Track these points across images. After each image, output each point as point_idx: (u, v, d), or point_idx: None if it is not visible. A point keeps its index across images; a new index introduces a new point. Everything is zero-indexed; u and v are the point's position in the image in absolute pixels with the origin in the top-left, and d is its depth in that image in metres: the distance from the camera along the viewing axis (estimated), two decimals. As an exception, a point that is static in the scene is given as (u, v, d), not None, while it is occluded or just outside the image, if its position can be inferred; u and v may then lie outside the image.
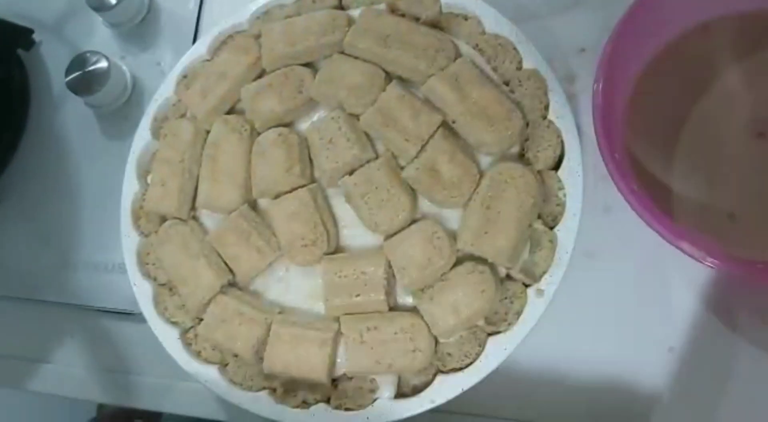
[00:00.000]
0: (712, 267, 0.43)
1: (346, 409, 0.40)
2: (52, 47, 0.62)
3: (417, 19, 0.44)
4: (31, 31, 0.62)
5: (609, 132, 0.41)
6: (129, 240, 0.46)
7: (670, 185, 0.45)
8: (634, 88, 0.46)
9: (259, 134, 0.45)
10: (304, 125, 0.45)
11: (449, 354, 0.40)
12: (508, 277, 0.40)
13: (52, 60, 0.62)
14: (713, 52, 0.46)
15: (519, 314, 0.39)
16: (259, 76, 0.46)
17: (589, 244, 0.45)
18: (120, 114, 0.58)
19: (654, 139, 0.46)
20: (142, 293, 0.45)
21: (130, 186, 0.48)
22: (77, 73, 0.55)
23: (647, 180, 0.43)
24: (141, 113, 0.50)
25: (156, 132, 0.48)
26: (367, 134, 0.43)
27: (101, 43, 0.60)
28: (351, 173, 0.42)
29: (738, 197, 0.44)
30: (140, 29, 0.59)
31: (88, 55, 0.55)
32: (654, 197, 0.42)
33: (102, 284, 0.54)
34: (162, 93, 0.49)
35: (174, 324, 0.45)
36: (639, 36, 0.44)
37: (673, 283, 0.45)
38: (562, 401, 0.44)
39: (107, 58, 0.55)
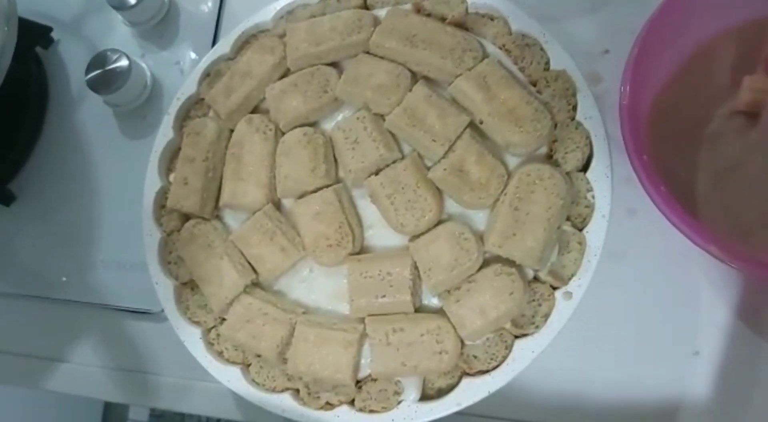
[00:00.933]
0: (739, 270, 0.43)
1: (371, 411, 0.40)
2: (71, 46, 0.62)
3: (443, 20, 0.44)
4: (50, 30, 0.62)
5: (636, 134, 0.41)
6: (151, 238, 0.46)
7: (696, 187, 0.44)
8: (660, 90, 0.46)
9: (283, 133, 0.44)
10: (328, 125, 0.45)
11: (475, 357, 0.39)
12: (536, 279, 0.40)
13: (70, 58, 0.62)
14: (740, 56, 0.46)
15: (546, 317, 0.38)
16: (284, 75, 0.46)
17: (613, 247, 0.44)
18: (139, 113, 0.58)
19: (680, 141, 0.45)
20: (164, 291, 0.45)
21: (152, 184, 0.47)
22: (97, 71, 0.55)
23: (672, 183, 0.43)
24: (160, 112, 0.50)
25: (178, 130, 0.48)
26: (392, 135, 0.43)
27: (120, 41, 0.60)
28: (376, 173, 0.42)
29: (764, 201, 0.43)
30: (160, 28, 0.59)
31: (108, 53, 0.55)
32: (680, 200, 0.42)
33: (121, 282, 0.54)
34: (185, 91, 0.49)
35: (196, 323, 0.44)
36: (666, 38, 0.44)
37: (699, 287, 0.45)
38: (588, 405, 0.43)
39: (128, 57, 0.55)
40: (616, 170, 0.42)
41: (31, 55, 0.62)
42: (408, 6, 0.45)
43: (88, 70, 0.55)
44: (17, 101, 0.60)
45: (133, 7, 0.56)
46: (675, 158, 0.44)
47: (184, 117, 0.49)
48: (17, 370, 0.57)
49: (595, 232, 0.39)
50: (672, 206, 0.39)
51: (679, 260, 0.45)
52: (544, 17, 0.45)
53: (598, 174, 0.40)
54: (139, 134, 0.57)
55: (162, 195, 0.47)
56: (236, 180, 0.44)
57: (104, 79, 0.55)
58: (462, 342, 0.39)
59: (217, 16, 0.58)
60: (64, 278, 0.56)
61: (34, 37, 0.61)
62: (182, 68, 0.58)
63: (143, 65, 0.57)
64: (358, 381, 0.41)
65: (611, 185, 0.39)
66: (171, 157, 0.49)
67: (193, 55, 0.58)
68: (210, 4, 0.58)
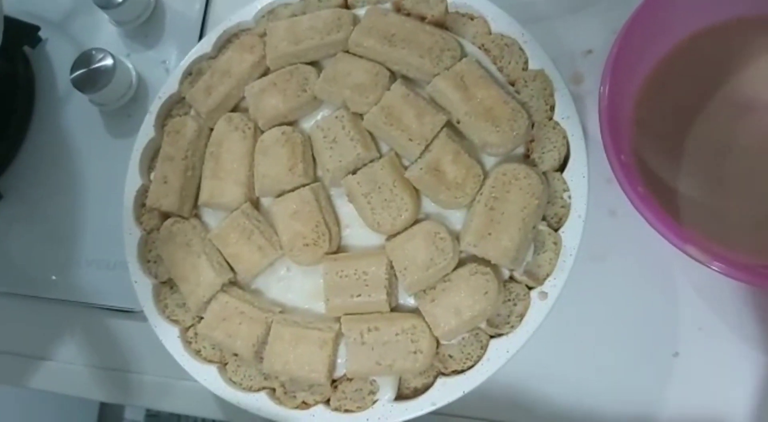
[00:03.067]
0: (718, 272, 0.43)
1: (346, 411, 0.40)
2: (58, 44, 0.63)
3: (423, 19, 0.44)
4: (38, 29, 0.62)
5: (615, 134, 0.41)
6: (131, 237, 0.46)
7: (676, 188, 0.44)
8: (640, 90, 0.46)
9: (262, 132, 0.44)
10: (307, 124, 0.45)
11: (451, 356, 0.39)
12: (512, 279, 0.40)
13: (57, 57, 0.62)
14: (720, 55, 0.46)
15: (522, 316, 0.38)
16: (264, 74, 0.46)
17: (593, 247, 0.44)
18: (124, 112, 0.58)
19: (661, 142, 0.45)
20: (143, 290, 0.45)
21: (132, 183, 0.47)
22: (82, 70, 0.55)
23: (653, 183, 0.43)
24: (145, 111, 0.50)
25: (159, 129, 0.48)
26: (371, 134, 0.43)
27: (107, 40, 0.60)
28: (354, 172, 0.42)
29: (745, 201, 0.43)
30: (146, 27, 0.59)
31: (93, 52, 0.55)
32: (660, 200, 0.42)
33: (104, 281, 0.54)
34: (166, 90, 0.49)
35: (174, 321, 0.44)
36: (646, 38, 0.44)
37: (679, 287, 0.44)
38: (565, 405, 0.43)
39: (113, 56, 0.55)
40: (597, 171, 0.42)
41: (19, 53, 0.62)
42: (388, 5, 0.45)
43: (73, 69, 0.55)
44: (4, 100, 0.60)
45: (119, 5, 0.56)
46: (658, 159, 0.44)
47: (165, 116, 0.49)
48: (1, 368, 0.57)
49: (571, 232, 0.39)
50: (649, 206, 0.39)
51: (660, 261, 0.45)
52: (526, 18, 0.45)
53: (574, 174, 0.40)
54: (124, 133, 0.57)
55: (143, 194, 0.47)
56: (215, 179, 0.44)
57: (89, 78, 0.55)
58: (437, 341, 0.39)
59: (203, 15, 0.58)
60: (50, 277, 0.56)
61: (21, 35, 0.62)
62: (168, 67, 0.58)
63: (129, 64, 0.57)
64: (333, 381, 0.41)
65: (588, 186, 0.39)
66: (152, 155, 0.49)
67: (178, 55, 0.58)
68: (196, 3, 0.58)
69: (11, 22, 0.59)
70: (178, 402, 0.51)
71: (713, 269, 0.43)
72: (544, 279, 0.38)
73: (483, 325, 0.39)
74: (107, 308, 0.54)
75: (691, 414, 0.42)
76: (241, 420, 0.48)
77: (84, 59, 0.55)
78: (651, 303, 0.44)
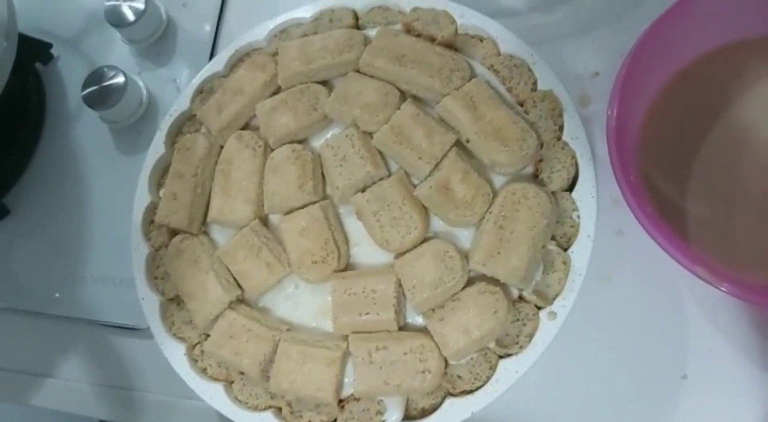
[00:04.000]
0: (726, 293, 0.43)
1: (353, 430, 0.39)
2: (70, 62, 0.63)
3: (432, 40, 0.44)
4: (50, 46, 0.63)
5: (623, 155, 0.41)
6: (138, 253, 0.46)
7: (684, 209, 0.44)
8: (648, 111, 0.46)
9: (272, 150, 0.45)
10: (317, 143, 0.45)
11: (459, 377, 0.39)
12: (521, 299, 0.39)
13: (69, 75, 0.63)
14: (728, 77, 0.46)
15: (531, 337, 0.38)
16: (275, 93, 0.46)
17: (601, 268, 0.44)
18: (134, 129, 0.58)
19: (668, 163, 0.45)
20: (150, 306, 0.45)
21: (141, 199, 0.48)
22: (94, 88, 0.56)
23: (660, 204, 0.43)
24: (155, 130, 0.50)
25: (170, 146, 0.49)
26: (380, 152, 0.43)
27: (118, 58, 0.60)
28: (363, 190, 0.42)
29: (753, 222, 0.43)
30: (157, 46, 0.60)
31: (105, 69, 0.56)
32: (668, 221, 0.42)
33: (109, 298, 0.54)
34: (177, 108, 0.49)
35: (180, 339, 0.44)
36: (654, 60, 0.44)
37: (687, 309, 0.44)
38: (573, 427, 0.43)
39: (124, 74, 0.56)
40: (605, 192, 0.42)
41: (31, 70, 0.63)
42: (399, 26, 0.46)
43: (84, 86, 0.56)
44: (14, 116, 0.60)
45: (131, 24, 0.57)
46: (665, 180, 0.45)
47: (176, 133, 0.49)
48: (4, 385, 0.56)
49: (580, 252, 0.39)
50: (658, 227, 0.39)
51: (668, 282, 0.45)
52: (534, 40, 0.45)
53: (583, 194, 0.40)
54: (134, 151, 0.58)
55: (151, 210, 0.48)
56: (224, 196, 0.44)
57: (100, 95, 0.55)
58: (446, 361, 0.39)
59: (214, 35, 0.59)
60: (54, 294, 0.56)
61: (33, 52, 0.62)
62: (179, 86, 0.59)
63: (140, 82, 0.58)
64: (341, 400, 0.40)
65: (597, 205, 0.39)
66: (162, 173, 0.49)
67: (189, 73, 0.58)
68: (207, 23, 0.59)
69: (24, 39, 0.60)
70: (182, 421, 0.51)
71: (722, 290, 0.42)
72: (554, 299, 0.38)
73: (492, 345, 0.39)
74: (112, 326, 0.54)
75: (700, 438, 0.42)
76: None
77: (96, 76, 0.56)
78: (659, 325, 0.44)
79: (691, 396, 0.42)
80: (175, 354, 0.43)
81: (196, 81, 0.50)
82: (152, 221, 0.47)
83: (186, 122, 0.50)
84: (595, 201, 0.39)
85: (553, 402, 0.43)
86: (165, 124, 0.49)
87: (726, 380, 0.42)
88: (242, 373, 0.42)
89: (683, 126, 0.46)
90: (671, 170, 0.45)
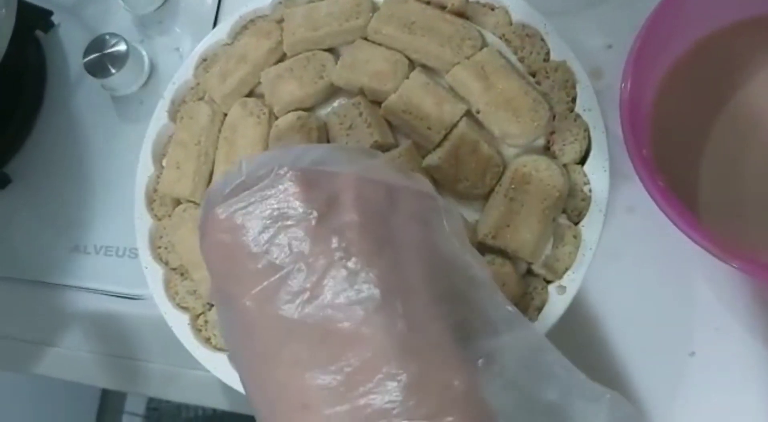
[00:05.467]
0: (737, 270, 0.42)
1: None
2: (71, 30, 0.62)
3: (443, 8, 0.43)
4: (50, 13, 0.62)
5: (636, 128, 0.40)
6: (142, 222, 0.46)
7: (695, 185, 0.44)
8: (661, 86, 0.45)
9: (277, 118, 0.44)
10: (324, 112, 0.44)
11: (465, 349, 0.39)
12: (529, 272, 0.39)
13: (70, 43, 0.62)
14: (743, 53, 0.45)
15: (539, 310, 0.38)
16: (280, 60, 0.45)
17: (610, 245, 0.44)
18: (136, 98, 0.57)
19: (680, 138, 0.45)
20: (153, 276, 0.44)
21: (144, 169, 0.47)
22: (95, 55, 0.55)
23: (672, 180, 0.42)
24: (157, 98, 0.49)
25: (173, 115, 0.48)
26: (388, 123, 0.42)
27: (120, 27, 0.59)
28: (371, 160, 0.41)
29: (765, 200, 0.43)
30: (160, 14, 0.59)
31: (107, 37, 0.55)
32: (679, 197, 0.41)
33: (112, 268, 0.54)
34: (180, 76, 0.48)
35: (184, 308, 0.44)
36: (668, 33, 0.43)
37: (696, 287, 0.44)
38: (579, 403, 0.42)
39: (126, 41, 0.55)
40: (615, 168, 0.42)
41: (31, 38, 0.61)
42: (408, -7, 0.44)
43: (86, 54, 0.55)
44: (15, 84, 0.59)
45: (133, -9, 0.56)
46: (676, 157, 0.44)
47: (179, 102, 0.48)
48: (6, 354, 0.56)
49: (591, 226, 0.38)
50: (670, 201, 0.38)
51: (678, 260, 0.44)
52: (545, 11, 0.44)
53: (595, 167, 0.39)
54: (135, 119, 0.57)
55: (155, 179, 0.47)
56: (228, 164, 0.43)
57: (102, 62, 0.55)
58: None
59: (218, 2, 0.58)
60: (56, 263, 0.56)
61: (34, 20, 0.61)
62: (181, 54, 0.58)
63: (142, 51, 0.57)
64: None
65: (609, 179, 0.39)
66: (165, 142, 0.48)
67: (192, 42, 0.57)
68: (211, -9, 0.58)
69: (24, 6, 0.59)
70: (184, 392, 0.50)
71: (733, 267, 0.42)
72: (563, 273, 0.38)
73: (499, 318, 0.38)
74: (115, 295, 0.54)
75: (706, 414, 0.41)
76: (248, 411, 0.48)
77: (97, 44, 0.55)
78: (667, 302, 0.44)
79: (698, 373, 0.42)
80: (179, 323, 0.43)
81: (199, 49, 0.49)
82: (155, 190, 0.47)
83: (189, 91, 0.49)
84: (608, 174, 0.39)
85: (558, 377, 0.43)
86: (168, 92, 0.48)
87: (733, 358, 0.42)
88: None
89: (696, 101, 0.45)
90: (683, 146, 0.45)
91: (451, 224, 0.27)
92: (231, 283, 0.25)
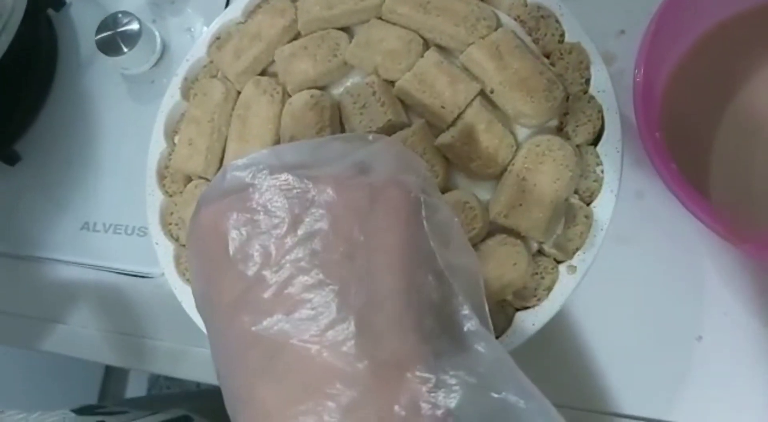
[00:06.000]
0: (746, 253, 0.43)
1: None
2: (82, 8, 0.62)
3: (458, -12, 0.43)
4: (62, -9, 0.62)
5: (648, 112, 0.40)
6: (153, 198, 0.46)
7: (706, 170, 0.44)
8: (674, 71, 0.45)
9: (290, 96, 0.44)
10: (337, 91, 0.44)
11: (475, 328, 0.39)
12: (540, 252, 0.39)
13: (81, 22, 0.62)
14: (757, 39, 0.45)
15: (549, 290, 0.38)
16: (294, 38, 0.45)
17: (620, 229, 0.44)
18: (147, 78, 0.58)
19: (692, 123, 0.45)
20: (164, 252, 0.44)
21: (157, 145, 0.47)
22: (107, 33, 0.55)
23: (683, 164, 0.43)
24: (168, 78, 0.50)
25: (186, 92, 0.48)
26: (401, 102, 0.42)
27: (132, 6, 0.59)
28: (383, 139, 0.41)
29: (775, 187, 0.43)
30: (172, -6, 0.59)
31: (119, 15, 0.55)
32: (690, 182, 0.41)
33: (121, 246, 0.54)
34: (194, 54, 0.48)
35: (195, 284, 0.44)
36: (683, 18, 0.43)
37: (705, 272, 0.44)
38: (586, 384, 0.43)
39: (139, 20, 0.55)
40: (626, 153, 0.42)
41: (43, 17, 0.61)
42: (423, -27, 0.44)
43: (98, 32, 0.55)
44: (26, 62, 0.59)
45: (146, -30, 0.56)
46: (687, 142, 0.44)
47: (192, 79, 0.48)
48: (14, 330, 0.57)
49: (603, 207, 0.38)
50: (682, 185, 0.38)
51: (686, 244, 0.44)
52: (560, -6, 0.44)
53: (608, 149, 0.39)
54: (147, 99, 0.57)
55: (167, 156, 0.47)
56: (241, 142, 0.43)
57: (114, 41, 0.55)
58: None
59: (230, -17, 0.58)
60: (66, 240, 0.56)
61: (45, -1, 0.61)
62: (193, 35, 0.58)
63: (154, 30, 0.57)
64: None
65: (621, 161, 0.39)
66: (178, 119, 0.48)
67: (204, 22, 0.58)
68: (223, -28, 0.58)
69: (36, -16, 0.59)
70: (192, 369, 0.51)
71: (742, 251, 0.42)
72: (574, 253, 0.38)
73: (510, 297, 0.38)
74: (123, 273, 0.54)
75: (713, 398, 0.42)
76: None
77: (110, 22, 0.55)
78: (676, 286, 0.44)
79: (705, 357, 0.42)
80: (189, 299, 0.43)
81: (213, 27, 0.49)
82: (167, 167, 0.47)
83: (202, 69, 0.49)
84: (620, 156, 0.39)
85: (566, 358, 0.43)
86: (181, 69, 0.48)
87: (741, 343, 0.42)
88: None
89: (708, 87, 0.45)
90: (694, 131, 0.45)
91: (433, 222, 0.26)
92: (211, 287, 0.25)
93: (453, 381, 0.23)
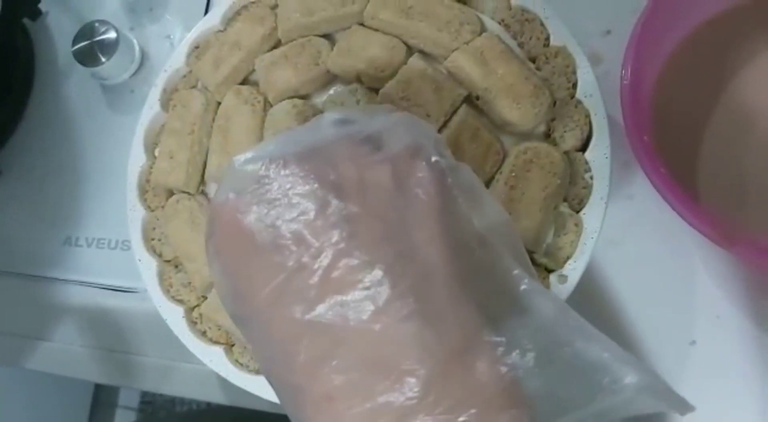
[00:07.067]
0: (737, 256, 0.42)
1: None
2: (59, 18, 0.61)
3: (440, -8, 0.42)
4: (38, 1, 0.61)
5: (636, 115, 0.40)
6: (134, 214, 0.45)
7: (695, 172, 0.43)
8: (660, 72, 0.45)
9: (272, 106, 0.43)
10: (320, 99, 0.43)
11: (466, 340, 0.38)
12: (531, 261, 0.38)
13: (58, 31, 0.61)
14: (743, 37, 0.45)
15: (540, 300, 0.37)
16: (275, 46, 0.44)
17: (611, 233, 0.43)
18: (126, 87, 0.56)
19: (679, 125, 0.44)
20: (147, 269, 0.43)
21: (136, 158, 0.46)
22: (84, 43, 0.53)
23: (672, 166, 0.42)
24: (148, 87, 0.48)
25: (165, 104, 0.47)
26: (385, 110, 0.41)
27: (109, 14, 0.58)
28: (368, 149, 0.40)
29: (766, 187, 0.42)
30: (150, 1, 0.58)
31: (96, 24, 0.54)
32: (680, 184, 0.41)
33: (104, 261, 0.53)
34: (172, 64, 0.47)
35: (179, 301, 0.43)
36: (669, 18, 0.43)
37: (697, 275, 0.44)
38: (580, 392, 0.42)
39: (116, 29, 0.54)
40: (615, 155, 0.41)
41: (18, 26, 0.60)
42: (405, -22, 0.43)
43: (75, 42, 0.54)
44: (2, 74, 0.58)
45: (122, -22, 0.55)
46: (676, 144, 0.43)
47: (171, 90, 0.47)
48: (-2, 348, 0.56)
49: (593, 214, 0.38)
50: (671, 188, 0.38)
51: (678, 248, 0.44)
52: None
53: (597, 155, 0.38)
54: (127, 109, 0.56)
55: (147, 169, 0.46)
56: (223, 153, 0.42)
57: (91, 51, 0.53)
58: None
59: (210, -10, 0.57)
60: (48, 256, 0.55)
61: (21, 7, 0.60)
62: (172, 43, 0.57)
63: (132, 38, 0.56)
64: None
65: (610, 166, 0.38)
66: (158, 131, 0.47)
67: (183, 30, 0.56)
68: (202, -23, 0.57)
69: (10, -7, 0.58)
70: (179, 386, 0.50)
71: (733, 254, 0.42)
72: (565, 262, 0.37)
73: (500, 308, 0.38)
74: (107, 288, 0.53)
75: (708, 403, 0.41)
76: (245, 404, 0.47)
77: (86, 31, 0.54)
78: (668, 290, 0.43)
79: (699, 362, 0.42)
80: (174, 316, 0.42)
81: (192, 35, 0.47)
82: (148, 181, 0.46)
83: (181, 79, 0.48)
84: (609, 162, 0.38)
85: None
86: (160, 80, 0.47)
87: (734, 346, 0.42)
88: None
89: (696, 87, 0.45)
90: (683, 133, 0.44)
91: (459, 185, 0.25)
92: (243, 283, 0.24)
93: (525, 341, 0.23)
